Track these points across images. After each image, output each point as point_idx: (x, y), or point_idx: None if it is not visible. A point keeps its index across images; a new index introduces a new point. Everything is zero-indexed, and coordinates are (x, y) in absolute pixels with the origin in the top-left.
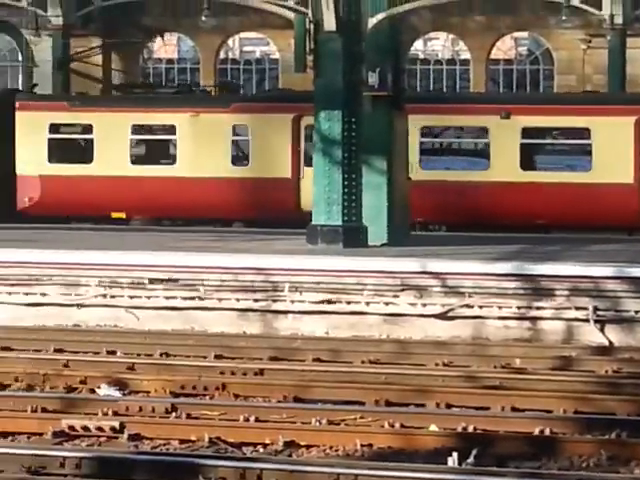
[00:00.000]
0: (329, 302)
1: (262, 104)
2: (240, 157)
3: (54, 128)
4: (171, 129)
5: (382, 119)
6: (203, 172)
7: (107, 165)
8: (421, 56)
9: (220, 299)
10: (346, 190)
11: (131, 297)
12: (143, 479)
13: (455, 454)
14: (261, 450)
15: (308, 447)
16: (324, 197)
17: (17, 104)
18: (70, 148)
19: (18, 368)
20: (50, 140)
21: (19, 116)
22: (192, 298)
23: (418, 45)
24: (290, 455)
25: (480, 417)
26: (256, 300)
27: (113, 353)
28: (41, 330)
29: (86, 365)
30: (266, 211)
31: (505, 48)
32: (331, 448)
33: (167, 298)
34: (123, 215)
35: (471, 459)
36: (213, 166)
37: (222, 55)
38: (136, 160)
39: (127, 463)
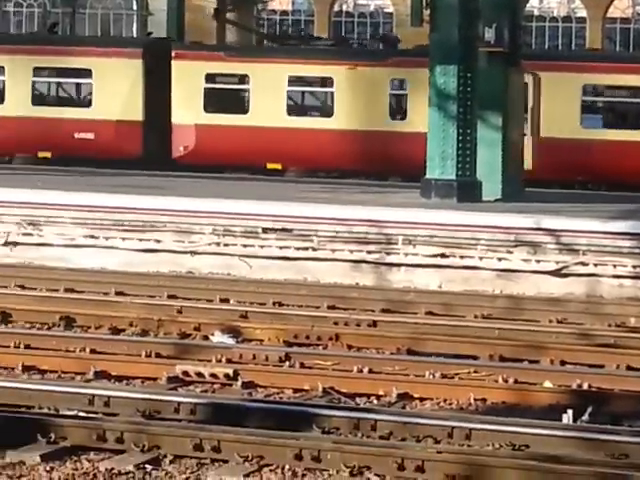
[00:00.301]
0: (442, 256)
1: (420, 59)
2: (397, 111)
3: (210, 78)
4: (328, 81)
5: (498, 75)
6: (360, 125)
7: (263, 116)
8: (536, 13)
9: (333, 250)
10: (460, 145)
11: (244, 246)
12: (256, 427)
13: (570, 411)
14: (375, 401)
15: (421, 400)
16: (438, 151)
17: (173, 53)
18: (226, 98)
19: (132, 313)
20: (206, 90)
21: (175, 65)
22: (305, 249)
23: (534, 2)
24: (404, 407)
25: (595, 375)
26: (369, 252)
27: (226, 301)
28: (154, 276)
29: (199, 312)
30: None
31: (622, 7)
32: (445, 401)
33: (280, 248)
34: (279, 166)
35: (586, 417)
36: (370, 119)
37: (336, 8)
38: (292, 111)
39: (241, 410)
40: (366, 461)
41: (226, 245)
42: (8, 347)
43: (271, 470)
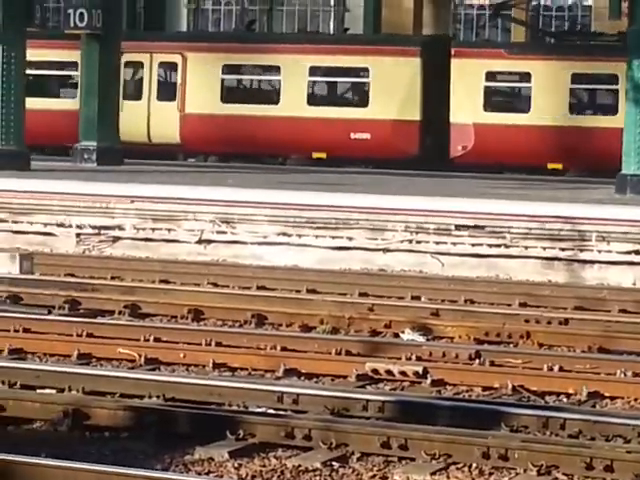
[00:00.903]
0: (637, 253)
1: None
2: None
3: (490, 76)
4: (614, 79)
5: None
6: None
7: (545, 115)
8: None
9: (526, 247)
10: None
11: (437, 243)
12: (445, 424)
13: None
14: (564, 400)
15: (612, 399)
16: (634, 146)
17: (453, 51)
18: (506, 96)
19: (323, 311)
20: (486, 88)
21: (455, 63)
22: (498, 245)
23: None
24: (594, 406)
25: None
26: (562, 249)
27: (417, 298)
28: (346, 274)
29: (390, 309)
30: None
31: None
32: (635, 400)
33: (472, 245)
34: (559, 166)
35: None
36: None
37: (534, 2)
38: (576, 110)
39: (430, 408)
40: (554, 460)
41: (418, 242)
42: (199, 344)
43: (458, 468)
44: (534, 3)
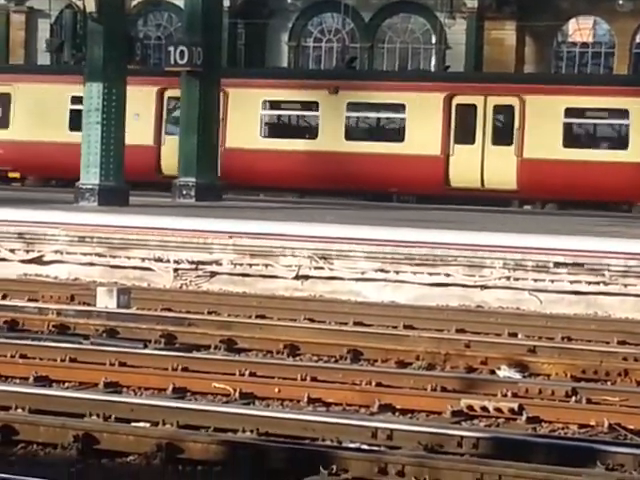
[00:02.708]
0: None
1: None
2: None
3: None
4: None
5: None
6: None
7: None
8: None
9: (625, 285)
10: None
11: (535, 280)
12: (540, 462)
13: None
14: None
15: None
16: None
17: None
18: None
19: (420, 347)
20: None
21: None
22: (597, 283)
23: None
24: None
25: None
26: None
27: (514, 335)
28: (443, 310)
29: (487, 346)
30: None
31: None
32: None
33: (571, 282)
34: None
35: None
36: None
37: (638, 39)
38: None
39: (524, 445)
40: None
41: (516, 279)
42: (294, 379)
43: None
44: (638, 41)
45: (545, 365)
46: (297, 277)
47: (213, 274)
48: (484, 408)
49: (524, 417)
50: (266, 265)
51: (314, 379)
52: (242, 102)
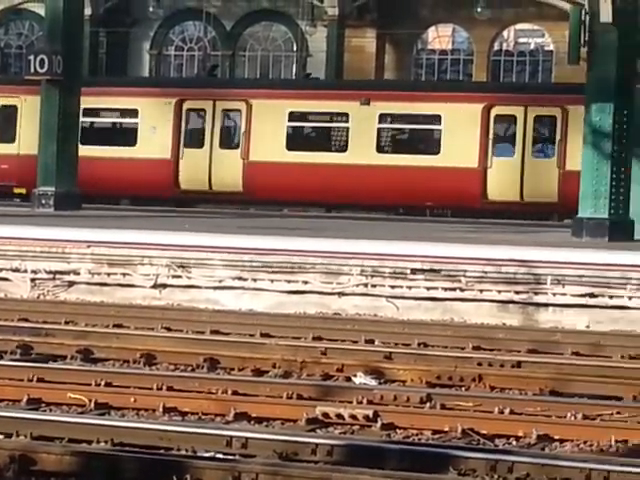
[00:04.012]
0: (591, 296)
1: None
2: None
3: None
4: None
5: None
6: None
7: None
8: None
9: (481, 290)
10: (614, 183)
11: (392, 287)
12: (394, 468)
13: None
14: (514, 443)
15: (561, 441)
16: (591, 190)
17: None
18: None
19: (276, 355)
20: None
21: None
22: (453, 289)
23: None
24: (543, 449)
25: None
26: (517, 292)
27: (371, 342)
28: (301, 318)
29: (343, 353)
30: None
31: None
32: (585, 443)
33: (428, 289)
34: None
35: None
36: None
37: (496, 47)
38: None
39: (379, 452)
40: None
41: (374, 286)
42: (151, 389)
43: None
44: (496, 48)
45: (401, 371)
46: (155, 286)
47: (71, 284)
48: (339, 415)
49: (379, 424)
50: (124, 274)
51: (170, 388)
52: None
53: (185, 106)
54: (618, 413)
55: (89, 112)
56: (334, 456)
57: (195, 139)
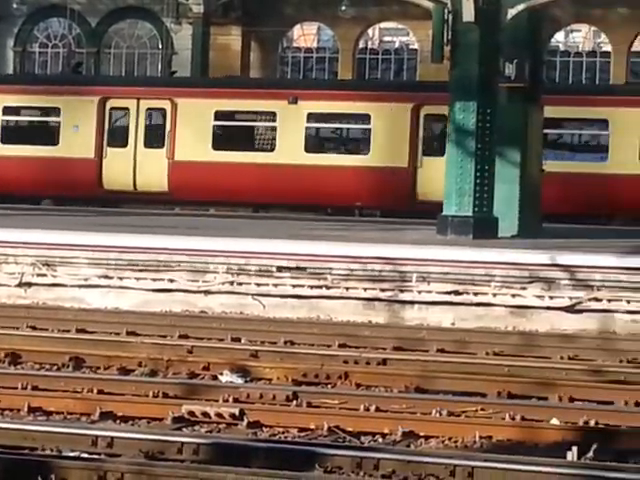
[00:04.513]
0: (456, 293)
1: None
2: None
3: None
4: None
5: (517, 111)
6: None
7: None
8: (562, 48)
9: (347, 288)
10: (478, 181)
11: (258, 285)
12: (260, 466)
13: (575, 448)
14: (380, 440)
15: (427, 438)
16: (455, 188)
17: None
18: None
19: (142, 353)
20: None
21: None
22: (319, 287)
23: (559, 37)
24: (408, 445)
25: (602, 411)
26: (383, 290)
27: (238, 340)
28: (167, 316)
29: (210, 351)
30: None
31: None
32: (450, 439)
33: (294, 286)
34: None
35: (591, 454)
36: None
37: (361, 45)
38: None
39: (245, 450)
40: None
41: (240, 284)
42: (15, 388)
43: None
44: (361, 46)
45: (267, 369)
46: (20, 284)
47: None
48: (205, 414)
49: (245, 422)
50: None
51: (35, 388)
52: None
53: (108, 104)
54: (482, 409)
55: (9, 110)
56: (200, 455)
57: (119, 138)
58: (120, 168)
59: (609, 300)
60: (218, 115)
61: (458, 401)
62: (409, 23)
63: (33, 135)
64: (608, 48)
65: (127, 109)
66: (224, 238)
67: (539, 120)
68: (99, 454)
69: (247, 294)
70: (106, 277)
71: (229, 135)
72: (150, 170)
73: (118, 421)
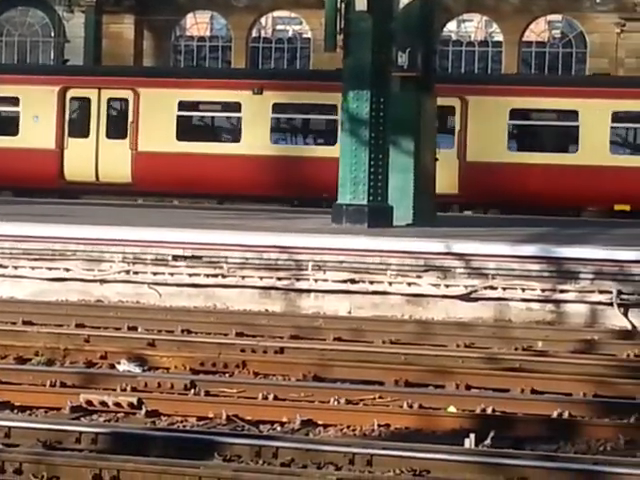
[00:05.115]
0: (352, 282)
1: None
2: None
3: None
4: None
5: (410, 100)
6: None
7: None
8: (454, 37)
9: (243, 277)
10: (372, 170)
11: (154, 274)
12: (159, 455)
13: (472, 435)
14: (278, 429)
15: (325, 426)
16: (350, 176)
17: None
18: None
19: (39, 342)
20: None
21: None
22: (215, 275)
23: (451, 26)
24: (307, 434)
25: (499, 399)
26: (279, 278)
27: (134, 329)
28: (63, 305)
29: (107, 340)
30: None
31: (538, 31)
32: (348, 427)
33: (190, 275)
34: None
35: (488, 441)
36: None
37: (254, 34)
38: None
39: (143, 439)
40: None
41: (136, 273)
42: None
43: None
44: (255, 35)
45: (164, 358)
46: None
47: None
48: (103, 403)
49: (143, 411)
50: None
51: None
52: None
53: (69, 94)
54: (380, 397)
55: None
56: (99, 444)
57: (80, 129)
58: (81, 159)
59: (504, 288)
60: (182, 105)
61: (356, 389)
62: (302, 12)
63: None
64: (500, 38)
65: (88, 99)
66: (119, 227)
67: (432, 109)
68: None
69: (143, 283)
70: (0, 266)
71: (194, 126)
72: (113, 161)
73: (15, 411)
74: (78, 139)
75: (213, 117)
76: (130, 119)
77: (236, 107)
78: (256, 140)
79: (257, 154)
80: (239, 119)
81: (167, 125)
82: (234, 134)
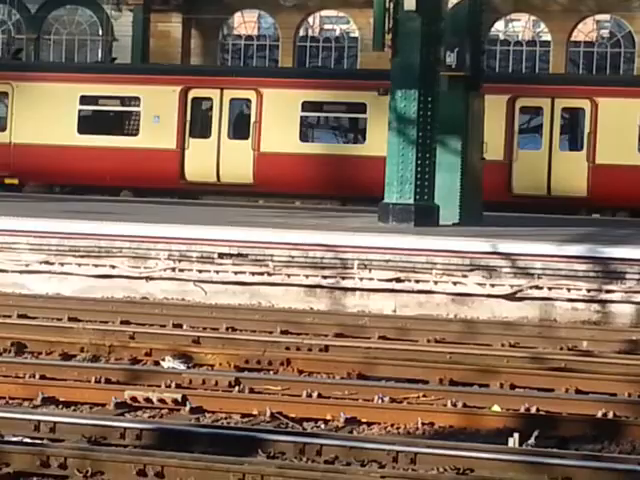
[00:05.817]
0: (398, 280)
1: None
2: None
3: None
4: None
5: (458, 99)
6: None
7: None
8: (501, 37)
9: (289, 275)
10: (419, 169)
11: (200, 271)
12: (203, 452)
13: (516, 435)
14: (322, 426)
15: (369, 424)
16: (397, 175)
17: None
18: None
19: (84, 339)
20: None
21: None
22: (260, 273)
23: (499, 26)
24: (351, 432)
25: (543, 398)
26: (325, 277)
27: (179, 326)
28: (109, 302)
29: (152, 337)
30: None
31: (586, 30)
32: (392, 426)
33: (235, 273)
34: None
35: (532, 440)
36: None
37: (302, 33)
38: None
39: (187, 435)
40: None
41: (181, 270)
42: None
43: None
44: (302, 34)
45: (209, 356)
46: None
47: None
48: (148, 399)
49: (187, 407)
50: None
51: None
52: None
53: (190, 95)
54: (424, 396)
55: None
56: (143, 440)
57: (201, 129)
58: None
59: (550, 288)
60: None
61: (400, 388)
62: (349, 11)
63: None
64: (548, 37)
65: (210, 99)
66: (165, 224)
67: (480, 109)
68: (41, 439)
69: (189, 280)
70: (47, 263)
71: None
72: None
73: (61, 406)
74: (199, 139)
75: (338, 117)
76: (253, 119)
77: (361, 108)
78: (382, 141)
79: (382, 155)
80: (365, 120)
81: (290, 126)
82: (359, 135)
